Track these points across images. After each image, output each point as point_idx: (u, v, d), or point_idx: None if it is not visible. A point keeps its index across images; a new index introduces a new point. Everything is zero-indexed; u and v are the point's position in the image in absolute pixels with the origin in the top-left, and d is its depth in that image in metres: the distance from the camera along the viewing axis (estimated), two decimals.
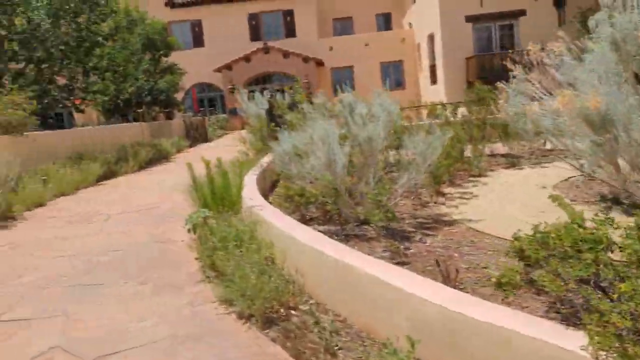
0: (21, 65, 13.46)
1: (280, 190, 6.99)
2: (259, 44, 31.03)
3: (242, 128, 29.09)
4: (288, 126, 9.22)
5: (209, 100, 33.39)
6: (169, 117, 21.94)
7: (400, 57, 32.09)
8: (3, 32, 12.43)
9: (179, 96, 24.93)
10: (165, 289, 3.91)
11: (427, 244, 4.27)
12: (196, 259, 4.58)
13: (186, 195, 7.79)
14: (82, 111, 15.65)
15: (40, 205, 8.18)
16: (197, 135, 20.83)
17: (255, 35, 32.44)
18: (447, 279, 3.19)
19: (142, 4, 21.58)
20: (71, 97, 14.23)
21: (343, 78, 31.08)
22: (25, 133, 9.80)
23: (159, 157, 14.18)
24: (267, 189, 7.14)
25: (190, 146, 18.89)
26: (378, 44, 31.87)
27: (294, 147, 4.85)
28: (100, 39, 13.70)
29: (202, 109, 29.80)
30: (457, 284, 3.21)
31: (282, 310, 3.26)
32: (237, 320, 3.22)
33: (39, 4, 12.18)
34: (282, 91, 12.91)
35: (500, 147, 8.27)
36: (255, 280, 3.28)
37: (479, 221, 4.72)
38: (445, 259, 3.70)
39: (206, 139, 21.65)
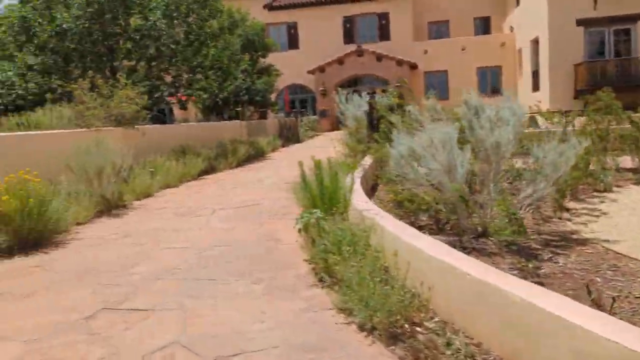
0: (133, 62, 14.28)
1: (383, 194, 6.76)
2: (352, 47, 31.02)
3: (332, 130, 29.26)
4: (390, 129, 8.95)
5: (300, 101, 33.88)
6: (263, 116, 22.43)
7: (499, 63, 30.72)
8: (119, 31, 13.24)
9: (272, 97, 25.45)
10: (277, 290, 3.79)
11: (560, 265, 3.84)
12: (305, 260, 4.44)
13: (287, 194, 7.81)
14: (185, 108, 16.35)
15: (148, 195, 8.52)
16: (289, 136, 21.11)
17: (349, 38, 32.47)
18: (599, 308, 2.79)
19: (242, 6, 22.24)
20: (177, 94, 14.89)
21: (436, 82, 30.39)
22: (136, 126, 10.30)
23: (255, 155, 14.46)
24: (368, 191, 6.93)
25: (283, 146, 19.17)
26: (475, 48, 30.71)
27: (411, 150, 4.58)
28: (207, 38, 14.22)
29: (293, 109, 30.25)
30: (612, 314, 2.80)
31: (406, 325, 3.00)
32: (358, 332, 3.01)
33: (156, 5, 12.84)
34: (373, 94, 12.63)
35: (628, 161, 7.47)
36: (379, 290, 3.06)
37: (618, 242, 4.20)
38: (589, 283, 3.28)
39: (298, 140, 21.89)
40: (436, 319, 3.09)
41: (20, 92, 12.59)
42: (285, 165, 12.93)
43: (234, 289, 3.89)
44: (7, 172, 5.77)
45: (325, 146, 18.72)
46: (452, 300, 2.98)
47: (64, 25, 11.96)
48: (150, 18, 12.96)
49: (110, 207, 7.32)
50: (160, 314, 3.45)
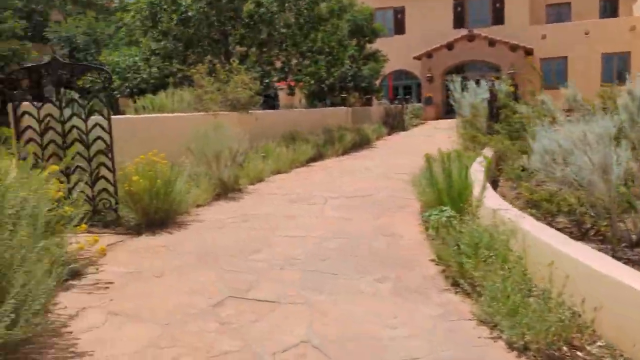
0: (245, 48, 14.61)
1: (505, 190, 6.22)
2: (462, 31, 29.62)
3: (436, 118, 28.28)
4: (513, 119, 8.28)
5: (404, 88, 33.11)
6: (368, 103, 22.12)
7: (627, 48, 27.79)
8: (233, 16, 13.55)
9: (376, 83, 25.04)
10: (406, 292, 3.53)
11: None
12: (431, 260, 4.14)
13: (398, 185, 7.51)
14: (293, 93, 16.52)
15: (260, 180, 8.62)
16: (394, 123, 20.65)
17: (459, 22, 31.06)
18: None
19: None
20: (287, 79, 15.04)
21: (554, 69, 28.17)
22: (250, 111, 10.49)
23: (360, 142, 14.24)
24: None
25: (388, 134, 18.78)
26: (600, 33, 28.03)
27: (557, 145, 4.08)
28: (317, 22, 14.16)
29: (397, 96, 29.62)
30: None
31: (564, 348, 2.62)
32: (507, 350, 2.67)
33: None
34: (492, 81, 11.79)
35: None
36: (534, 305, 2.70)
37: None
38: None
39: (403, 128, 21.36)
40: (599, 343, 2.67)
41: (144, 76, 13.38)
42: (392, 154, 12.58)
43: (358, 285, 3.69)
44: (135, 152, 6.05)
45: (432, 135, 18.10)
46: (623, 323, 2.55)
47: (189, 13, 12.45)
48: (263, 2, 13.13)
49: (227, 190, 7.47)
50: (286, 308, 3.34)
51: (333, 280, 3.82)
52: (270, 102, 18.96)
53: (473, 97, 10.77)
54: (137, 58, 13.61)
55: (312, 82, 18.19)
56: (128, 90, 13.59)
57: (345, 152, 12.88)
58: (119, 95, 14.31)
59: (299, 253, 4.50)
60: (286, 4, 13.40)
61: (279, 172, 9.46)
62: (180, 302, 3.46)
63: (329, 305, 3.35)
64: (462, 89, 11.53)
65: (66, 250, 3.79)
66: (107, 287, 3.80)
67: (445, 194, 4.69)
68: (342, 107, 17.30)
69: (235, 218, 6.00)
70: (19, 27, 16.75)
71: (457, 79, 12.21)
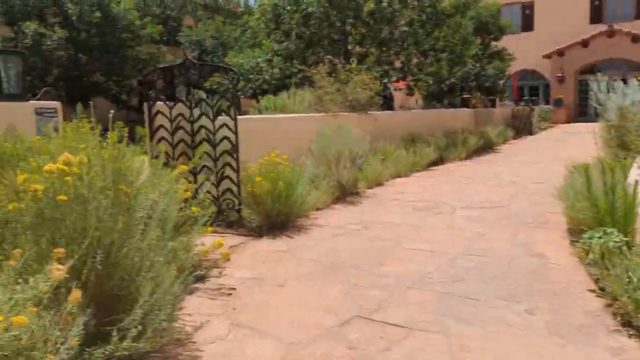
0: (364, 47, 14.35)
1: None
2: (600, 27, 26.90)
3: (567, 121, 25.96)
4: None
5: (530, 88, 30.90)
6: (491, 105, 20.83)
7: None
8: (354, 14, 13.33)
9: (500, 83, 23.54)
10: (566, 329, 2.97)
11: None
12: (591, 291, 3.50)
13: (534, 196, 6.74)
14: (412, 94, 15.96)
15: (379, 184, 8.28)
16: (520, 127, 19.20)
17: (596, 16, 28.23)
18: None
19: None
20: (406, 79, 14.54)
21: None
22: (369, 112, 10.19)
23: (484, 146, 13.33)
24: None
25: (514, 138, 17.49)
26: None
27: None
28: (441, 18, 13.50)
29: (522, 97, 27.66)
30: None
31: None
32: None
33: None
34: (625, 81, 10.29)
35: None
36: None
37: None
38: None
39: (530, 131, 19.81)
40: None
41: (266, 77, 13.65)
42: (521, 160, 11.57)
43: (504, 316, 3.19)
44: (256, 153, 6.01)
45: (563, 140, 16.53)
46: None
47: (309, 10, 12.46)
48: (384, 0, 12.77)
49: (345, 193, 7.22)
50: (420, 336, 2.94)
51: (473, 306, 3.35)
52: (387, 102, 18.56)
53: (621, 98, 9.46)
54: (260, 59, 13.93)
55: (432, 82, 17.48)
56: (251, 91, 13.96)
57: (469, 156, 12.10)
58: (242, 96, 14.79)
59: (430, 270, 4.07)
60: (408, 1, 12.90)
61: (398, 176, 9.05)
62: (304, 318, 3.22)
63: (471, 338, 2.90)
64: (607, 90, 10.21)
65: (193, 253, 3.72)
66: (229, 294, 3.68)
67: (607, 213, 3.97)
68: (464, 109, 16.38)
69: (356, 224, 5.71)
70: (157, 32, 18.07)
71: (603, 78, 10.87)
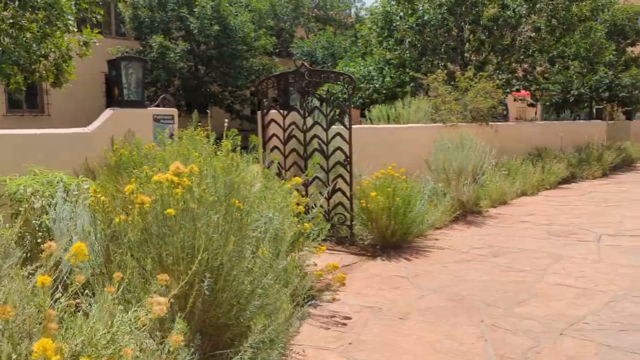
0: (482, 55, 13.43)
1: None
2: None
3: None
4: None
5: None
6: (627, 117, 18.67)
7: None
8: (470, 19, 12.50)
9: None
10: None
11: None
12: None
13: None
14: (534, 104, 14.70)
15: (503, 203, 7.47)
16: None
17: None
18: None
19: None
20: (531, 88, 13.39)
21: None
22: (490, 123, 9.36)
23: (622, 163, 11.80)
24: None
25: None
26: None
27: None
28: (573, 24, 12.22)
29: None
30: None
31: None
32: None
33: None
34: None
35: None
36: None
37: None
38: None
39: None
40: None
41: (376, 85, 13.26)
42: None
43: None
44: (368, 164, 5.58)
45: None
46: None
47: (425, 17, 11.89)
48: (509, 4, 11.81)
49: (465, 212, 6.56)
50: None
51: None
52: (505, 113, 17.33)
53: None
54: (371, 68, 13.57)
55: (556, 91, 15.99)
56: (360, 100, 13.64)
57: (605, 174, 10.73)
58: (352, 105, 14.54)
59: (583, 314, 3.35)
60: (537, 5, 11.81)
61: (524, 194, 8.15)
62: None
63: None
64: None
65: (306, 275, 3.36)
66: (344, 324, 3.25)
67: None
68: (596, 121, 14.74)
69: (481, 249, 5.04)
70: (270, 44, 18.46)
71: None
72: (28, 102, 16.31)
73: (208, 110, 5.50)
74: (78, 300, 1.88)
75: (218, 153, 3.00)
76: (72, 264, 1.52)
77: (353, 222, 5.25)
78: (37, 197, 3.34)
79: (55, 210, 2.77)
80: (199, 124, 4.53)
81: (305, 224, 3.65)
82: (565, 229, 5.81)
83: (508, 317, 3.33)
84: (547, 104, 18.01)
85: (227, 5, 17.15)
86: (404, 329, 3.19)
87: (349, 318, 3.35)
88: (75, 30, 6.10)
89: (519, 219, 6.46)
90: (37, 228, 3.22)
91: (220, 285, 2.26)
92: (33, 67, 5.87)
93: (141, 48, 16.96)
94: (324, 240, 4.72)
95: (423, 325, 3.24)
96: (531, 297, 3.69)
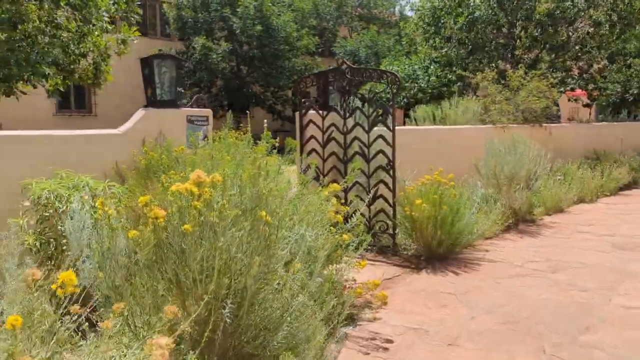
0: (533, 52, 12.73)
1: None
2: None
3: None
4: None
5: None
6: None
7: None
8: (522, 15, 11.85)
9: None
10: None
11: None
12: None
13: None
14: (590, 105, 13.85)
15: (559, 211, 6.93)
16: None
17: None
18: None
19: None
20: (587, 87, 12.60)
21: None
22: (543, 125, 8.79)
23: None
24: None
25: None
26: None
27: None
28: (637, 18, 11.38)
29: None
30: None
31: None
32: None
33: None
34: None
35: None
36: None
37: None
38: None
39: None
40: None
41: (422, 85, 12.79)
42: None
43: None
44: (414, 168, 5.21)
45: None
46: None
47: (476, 14, 11.35)
48: None
49: (518, 220, 6.09)
50: None
51: None
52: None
53: None
54: (416, 67, 13.11)
55: (615, 91, 15.02)
56: (404, 100, 13.20)
57: None
58: (395, 106, 14.11)
59: None
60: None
61: (582, 201, 7.57)
62: None
63: None
64: None
65: (344, 291, 3.07)
66: (386, 348, 2.93)
67: None
68: None
69: (538, 263, 4.61)
70: (313, 44, 18.21)
71: None
72: (77, 102, 16.67)
73: (248, 111, 5.30)
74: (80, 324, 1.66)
75: (253, 156, 2.76)
76: (59, 294, 1.28)
77: (396, 231, 4.91)
78: (62, 202, 3.19)
79: (72, 219, 2.58)
80: (240, 125, 4.31)
81: (344, 235, 3.35)
82: (630, 241, 5.28)
83: (572, 346, 2.93)
84: (604, 104, 17.00)
85: (270, 5, 17.01)
86: (453, 356, 2.84)
87: (391, 341, 3.03)
88: (110, 27, 6.01)
89: (577, 229, 5.94)
90: (62, 234, 3.06)
91: (244, 310, 1.99)
92: (72, 67, 5.81)
93: (184, 49, 17.06)
94: (364, 250, 4.43)
95: (474, 353, 2.88)
96: (597, 322, 3.26)
